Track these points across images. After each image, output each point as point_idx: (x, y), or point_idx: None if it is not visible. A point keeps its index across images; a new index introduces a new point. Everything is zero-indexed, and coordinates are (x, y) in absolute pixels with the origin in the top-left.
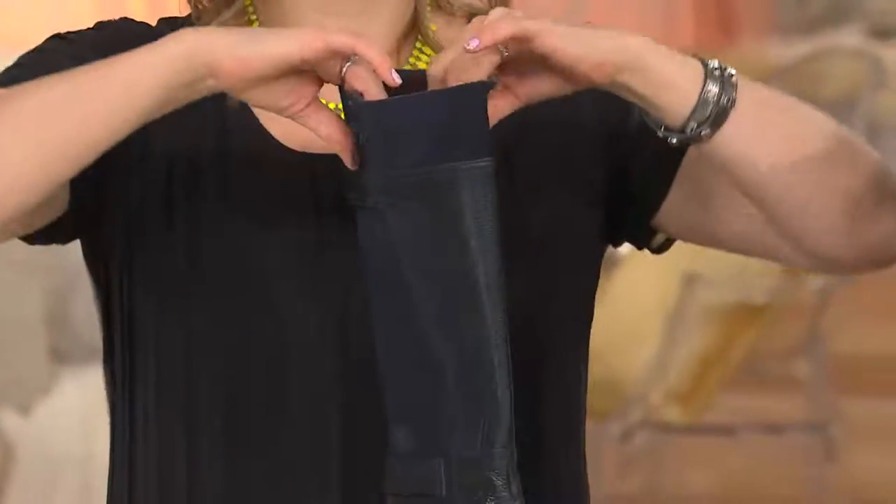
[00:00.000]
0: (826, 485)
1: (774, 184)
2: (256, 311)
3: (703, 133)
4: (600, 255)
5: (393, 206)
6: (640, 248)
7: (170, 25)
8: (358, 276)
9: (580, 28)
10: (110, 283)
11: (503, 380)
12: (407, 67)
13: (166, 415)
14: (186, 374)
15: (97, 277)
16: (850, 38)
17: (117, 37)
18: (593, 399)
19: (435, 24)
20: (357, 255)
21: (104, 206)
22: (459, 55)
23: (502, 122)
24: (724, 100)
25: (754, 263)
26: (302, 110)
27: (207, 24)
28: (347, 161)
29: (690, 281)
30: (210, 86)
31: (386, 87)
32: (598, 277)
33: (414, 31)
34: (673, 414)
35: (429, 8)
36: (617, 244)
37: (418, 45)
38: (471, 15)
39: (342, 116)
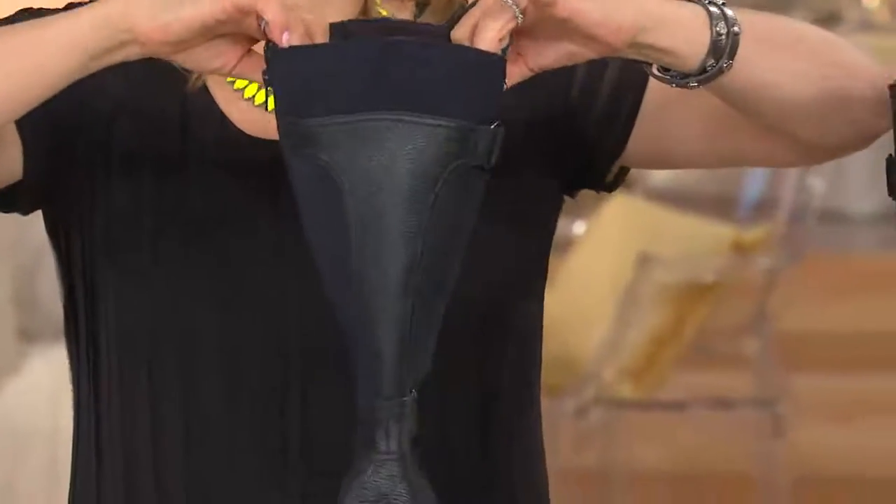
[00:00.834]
0: (773, 458)
1: (786, 96)
2: (215, 292)
3: (724, 66)
4: (557, 211)
5: (293, 152)
6: (597, 192)
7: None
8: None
9: None
10: (71, 256)
11: (391, 332)
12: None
13: (129, 389)
14: (148, 351)
15: (59, 250)
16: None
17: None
18: (549, 376)
19: (386, 10)
20: None
21: (65, 183)
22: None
23: None
24: (733, 29)
25: (705, 245)
26: (234, 68)
27: None
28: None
29: (643, 262)
30: (136, 51)
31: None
32: (553, 233)
33: (365, 15)
34: (626, 390)
35: None
36: (573, 195)
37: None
38: (421, 2)
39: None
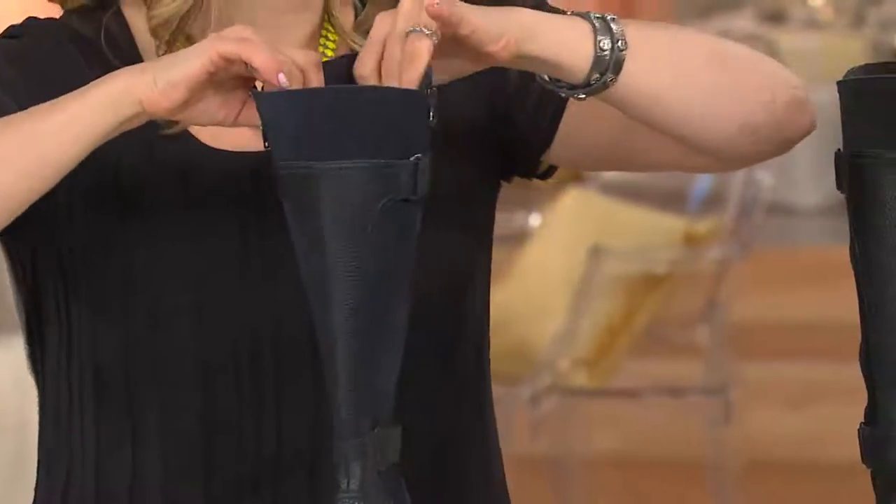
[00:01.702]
0: (724, 444)
1: (677, 107)
2: (189, 308)
3: (608, 81)
4: (495, 196)
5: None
6: (529, 179)
7: (77, 15)
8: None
9: (483, 8)
10: (39, 282)
11: (342, 374)
12: (328, 53)
13: (106, 410)
14: (125, 377)
15: (20, 272)
16: (742, 21)
17: (31, 44)
18: (505, 365)
19: (332, 44)
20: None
21: (32, 212)
22: (390, 50)
23: None
24: (617, 45)
25: (657, 237)
26: (238, 116)
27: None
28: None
29: (596, 254)
30: (147, 117)
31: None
32: (493, 219)
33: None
34: (580, 379)
35: None
36: (509, 181)
37: (325, 28)
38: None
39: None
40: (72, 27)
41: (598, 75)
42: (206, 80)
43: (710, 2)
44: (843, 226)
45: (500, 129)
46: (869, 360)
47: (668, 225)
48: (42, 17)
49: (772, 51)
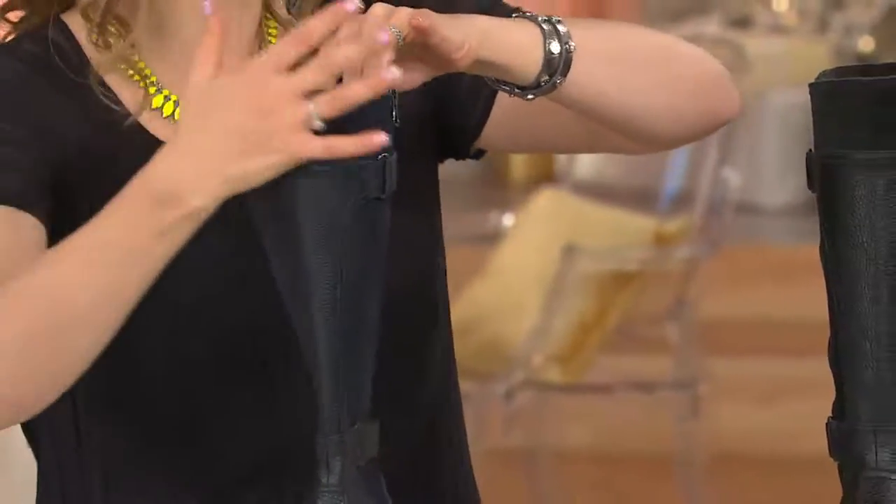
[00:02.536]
0: (692, 437)
1: (621, 102)
2: (173, 314)
3: (557, 82)
4: (437, 179)
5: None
6: (463, 159)
7: (28, 37)
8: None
9: (447, 17)
10: None
11: (323, 373)
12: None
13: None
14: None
15: None
16: (710, 27)
17: None
18: (480, 362)
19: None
20: None
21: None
22: (357, 50)
23: None
24: (565, 47)
25: (628, 236)
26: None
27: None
28: None
29: (569, 252)
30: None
31: None
32: (439, 199)
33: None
34: (554, 374)
35: None
36: (442, 161)
37: (266, 23)
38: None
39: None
40: (24, 51)
41: (547, 77)
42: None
43: (679, 7)
44: (810, 225)
45: (438, 115)
46: (837, 357)
47: (639, 224)
48: None
49: (738, 55)
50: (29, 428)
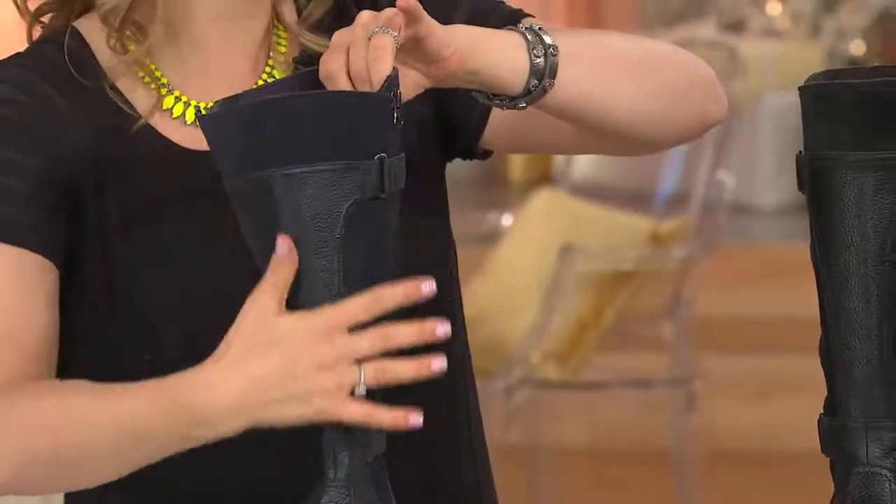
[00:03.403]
0: (688, 433)
1: (608, 107)
2: (180, 313)
3: (546, 86)
4: (443, 175)
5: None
6: (471, 159)
7: (50, 44)
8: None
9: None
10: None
11: None
12: (282, 50)
13: None
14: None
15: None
16: (705, 30)
17: (10, 106)
18: (479, 359)
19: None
20: None
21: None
22: (355, 53)
23: None
24: (550, 52)
25: (624, 236)
26: None
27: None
28: None
29: (566, 252)
30: None
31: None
32: (445, 191)
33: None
34: (551, 372)
35: None
36: (450, 161)
37: (275, 28)
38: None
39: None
40: (39, 57)
41: (536, 82)
42: None
43: (675, 11)
44: (802, 225)
45: (440, 118)
46: (828, 355)
47: (635, 224)
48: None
49: (733, 58)
50: None
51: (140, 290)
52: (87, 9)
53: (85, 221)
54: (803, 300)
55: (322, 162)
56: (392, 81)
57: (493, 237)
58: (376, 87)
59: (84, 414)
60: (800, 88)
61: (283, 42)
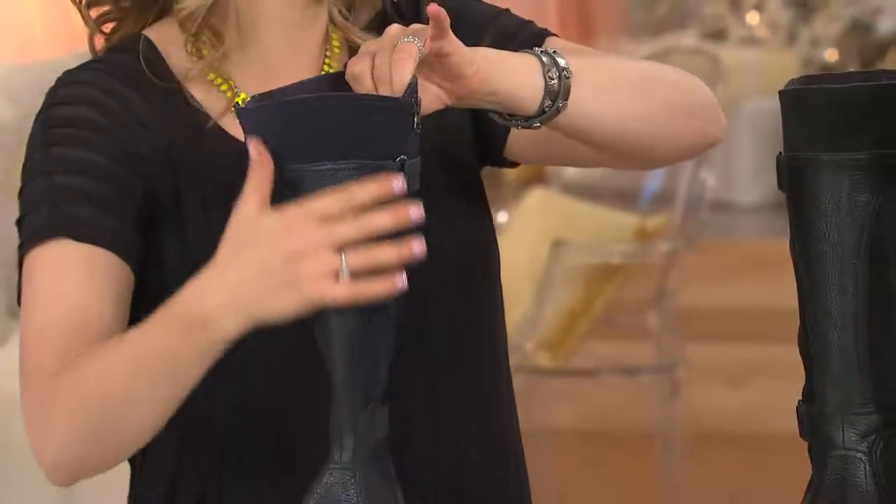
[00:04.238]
0: (672, 416)
1: (618, 127)
2: None
3: (560, 105)
4: (480, 180)
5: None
6: (500, 167)
7: (118, 51)
8: None
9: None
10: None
11: (339, 360)
12: (335, 51)
13: None
14: None
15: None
16: (688, 39)
17: (88, 111)
18: None
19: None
20: None
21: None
22: (380, 58)
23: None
24: (564, 74)
25: (612, 232)
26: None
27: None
28: None
29: (558, 247)
30: None
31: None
32: (485, 192)
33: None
34: (544, 359)
35: None
36: (483, 167)
37: (331, 29)
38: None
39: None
40: (114, 62)
41: (550, 103)
42: None
43: (659, 21)
44: (779, 221)
45: (474, 126)
46: (806, 345)
47: (622, 221)
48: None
49: (714, 65)
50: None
51: None
52: (155, 19)
53: (162, 222)
54: (780, 292)
55: (348, 160)
56: (413, 87)
57: None
58: (397, 87)
59: (116, 365)
60: (780, 93)
61: (337, 46)
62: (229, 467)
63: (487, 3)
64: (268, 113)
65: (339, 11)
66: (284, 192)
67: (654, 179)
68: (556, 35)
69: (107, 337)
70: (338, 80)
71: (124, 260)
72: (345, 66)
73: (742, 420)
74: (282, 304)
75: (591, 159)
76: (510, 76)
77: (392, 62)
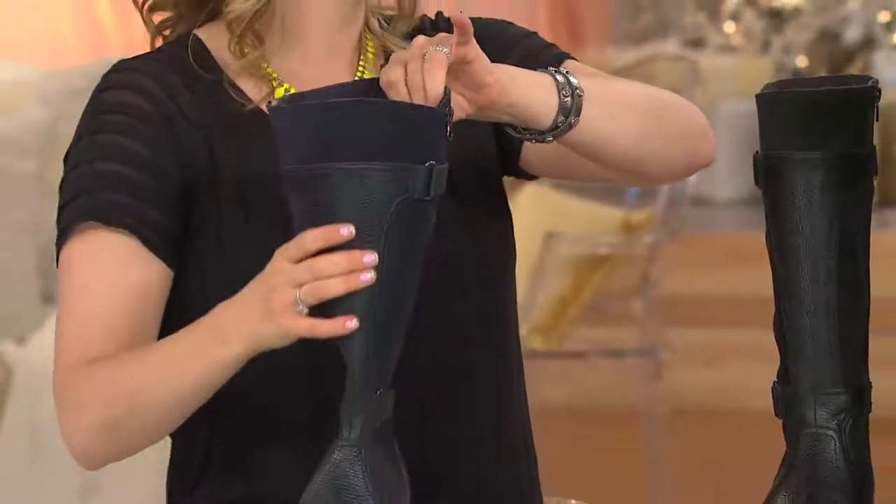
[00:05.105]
0: (655, 396)
1: (623, 145)
2: None
3: (572, 122)
4: (502, 186)
5: (292, 191)
6: (518, 178)
7: (171, 45)
8: None
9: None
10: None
11: (356, 346)
12: (370, 56)
13: None
14: None
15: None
16: (670, 46)
17: (142, 98)
18: None
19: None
20: None
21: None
22: (412, 66)
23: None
24: (576, 92)
25: (600, 225)
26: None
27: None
28: None
29: (550, 239)
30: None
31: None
32: (506, 199)
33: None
34: (536, 343)
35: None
36: (504, 176)
37: (365, 36)
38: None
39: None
40: (165, 52)
41: (562, 118)
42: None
43: (643, 30)
44: (755, 215)
45: (496, 136)
46: (781, 329)
47: (609, 215)
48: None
49: (694, 70)
50: None
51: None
52: (205, 21)
53: (195, 211)
54: (756, 281)
55: (379, 161)
56: (447, 97)
57: None
58: (430, 94)
59: (146, 367)
60: (757, 96)
61: (371, 52)
62: (257, 440)
63: (521, 27)
64: (304, 114)
65: (378, 22)
66: (315, 186)
67: None
68: (575, 59)
69: (138, 330)
70: (370, 87)
71: (160, 252)
72: (380, 70)
73: (720, 399)
74: (266, 331)
75: (598, 175)
76: (527, 90)
77: (424, 70)
